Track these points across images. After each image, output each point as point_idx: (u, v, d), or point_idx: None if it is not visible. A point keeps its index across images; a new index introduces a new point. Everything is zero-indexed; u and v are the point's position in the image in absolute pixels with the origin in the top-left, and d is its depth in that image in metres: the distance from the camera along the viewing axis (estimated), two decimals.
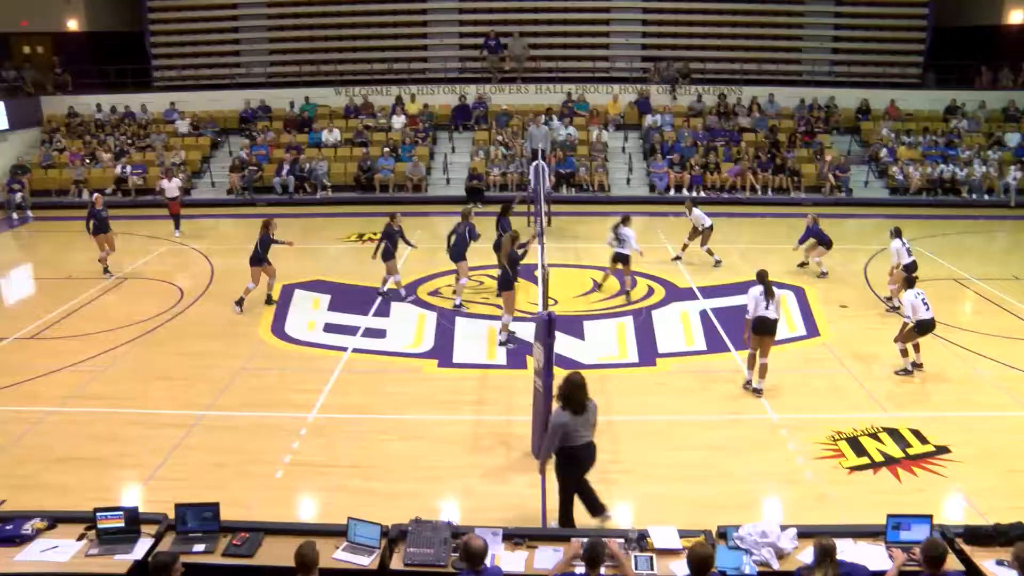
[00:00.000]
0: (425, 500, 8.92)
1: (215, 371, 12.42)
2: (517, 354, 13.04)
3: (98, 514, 7.14)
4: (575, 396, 7.95)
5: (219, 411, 11.17)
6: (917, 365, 12.47)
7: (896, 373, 12.37)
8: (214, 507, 7.23)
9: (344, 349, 13.31)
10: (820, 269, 17.23)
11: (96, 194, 17.08)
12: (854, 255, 18.94)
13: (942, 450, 10.08)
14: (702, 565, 6.14)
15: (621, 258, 15.45)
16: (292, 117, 27.88)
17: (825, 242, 16.90)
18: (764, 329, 11.47)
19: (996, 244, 21.23)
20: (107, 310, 15.36)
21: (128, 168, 25.37)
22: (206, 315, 15.01)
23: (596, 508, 8.43)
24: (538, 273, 13.89)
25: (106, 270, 17.28)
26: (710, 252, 18.11)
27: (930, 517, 7.05)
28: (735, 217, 22.80)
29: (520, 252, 13.44)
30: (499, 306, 14.65)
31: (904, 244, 15.20)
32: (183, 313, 15.10)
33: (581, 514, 8.64)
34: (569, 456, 8.05)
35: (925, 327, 12.13)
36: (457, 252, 15.16)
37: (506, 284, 13.43)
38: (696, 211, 18.22)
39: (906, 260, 15.00)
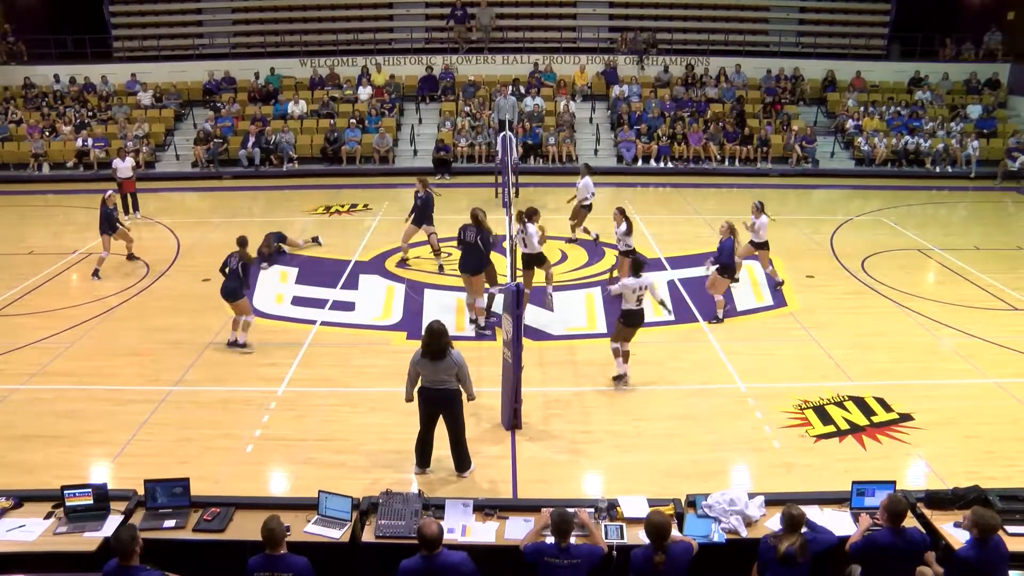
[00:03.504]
0: (396, 472, 8.93)
1: (183, 346, 12.28)
2: (486, 328, 13.03)
3: (66, 492, 7.06)
4: (431, 343, 8.31)
5: (187, 386, 11.06)
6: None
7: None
8: (184, 482, 7.18)
9: (312, 322, 13.23)
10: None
11: (109, 192, 16.00)
12: (820, 225, 19.10)
13: (905, 417, 10.25)
14: (659, 531, 6.22)
15: (534, 260, 13.34)
16: (257, 89, 27.42)
17: (728, 269, 13.31)
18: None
19: (958, 215, 21.52)
20: (70, 286, 15.11)
21: (90, 141, 24.85)
22: (173, 289, 14.82)
23: (420, 459, 8.93)
24: (506, 245, 13.88)
25: (132, 256, 16.32)
26: (586, 230, 17.11)
27: (893, 483, 7.19)
28: (701, 188, 22.86)
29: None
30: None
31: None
32: (149, 288, 14.90)
33: (556, 485, 8.71)
34: (421, 395, 8.61)
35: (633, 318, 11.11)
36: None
37: (477, 267, 12.75)
38: (587, 180, 16.69)
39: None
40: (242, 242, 12.44)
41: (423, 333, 8.54)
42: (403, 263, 15.78)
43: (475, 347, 12.23)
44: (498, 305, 13.00)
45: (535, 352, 12.02)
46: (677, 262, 16.18)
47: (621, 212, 13.52)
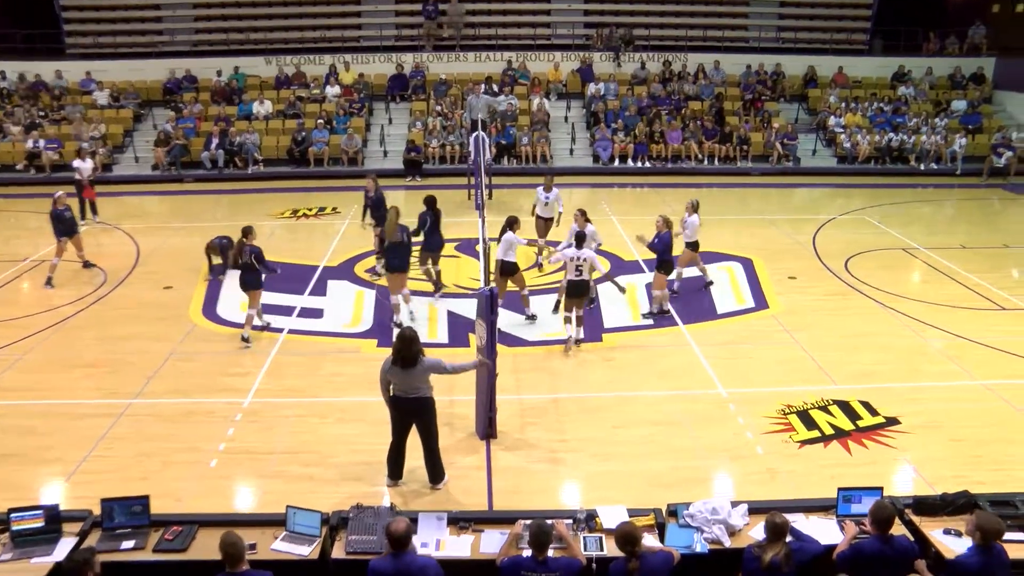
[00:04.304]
0: (367, 485, 8.87)
1: (143, 357, 12.13)
2: (459, 332, 13.03)
3: (12, 515, 6.85)
4: (401, 349, 8.27)
5: (148, 399, 10.92)
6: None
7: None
8: (144, 500, 7.06)
9: (279, 330, 13.13)
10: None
11: (59, 192, 15.71)
12: (802, 225, 19.23)
13: (892, 421, 10.32)
14: (627, 538, 6.24)
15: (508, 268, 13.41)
16: (220, 88, 27.21)
17: (665, 264, 13.52)
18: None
19: (943, 213, 21.74)
20: (21, 295, 14.89)
21: (41, 142, 24.47)
22: (132, 298, 14.64)
23: (392, 470, 8.88)
24: (479, 248, 13.84)
25: (87, 263, 16.09)
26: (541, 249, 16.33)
27: (880, 489, 7.22)
28: (680, 188, 22.97)
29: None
30: (433, 282, 14.67)
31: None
32: (107, 297, 14.70)
33: (533, 496, 8.68)
34: (393, 404, 8.55)
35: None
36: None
37: (396, 265, 13.11)
38: (556, 191, 16.27)
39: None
40: (247, 231, 12.62)
41: (394, 340, 8.50)
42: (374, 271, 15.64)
43: (449, 354, 12.04)
44: (470, 310, 12.95)
45: (510, 359, 11.99)
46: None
47: (583, 214, 13.54)
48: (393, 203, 14.78)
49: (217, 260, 15.63)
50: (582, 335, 12.67)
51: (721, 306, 14.28)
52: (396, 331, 12.77)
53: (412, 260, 13.61)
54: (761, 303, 14.42)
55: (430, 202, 14.44)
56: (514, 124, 25.87)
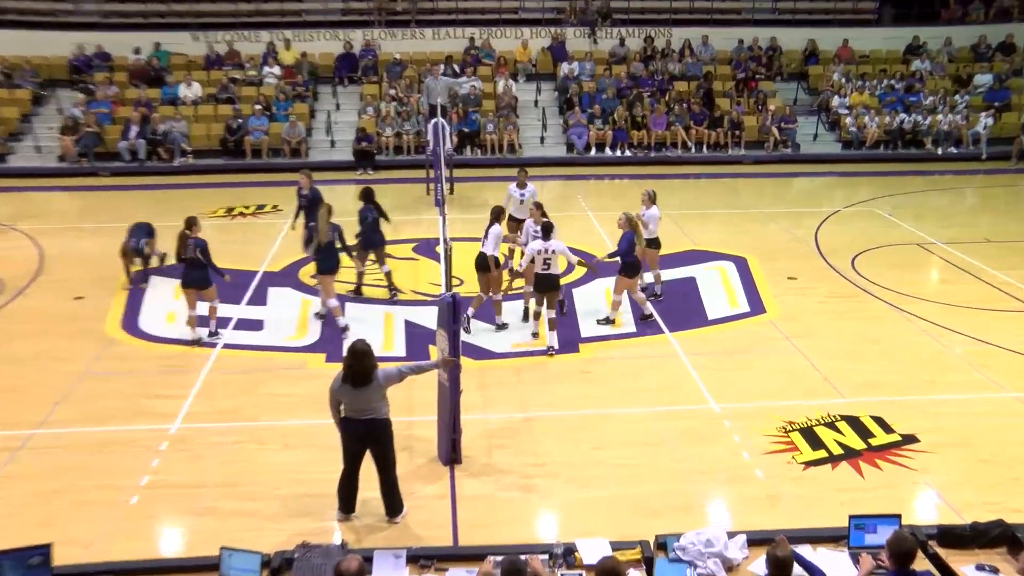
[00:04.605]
0: (314, 520, 8.76)
1: (49, 378, 11.91)
2: (418, 343, 12.96)
3: None
4: (353, 365, 8.19)
5: (54, 428, 10.68)
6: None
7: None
8: (44, 549, 6.71)
9: (213, 345, 12.99)
10: (646, 300, 14.08)
11: None
12: (802, 219, 19.37)
13: (909, 439, 10.34)
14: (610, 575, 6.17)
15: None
16: (139, 67, 26.84)
17: (630, 267, 13.41)
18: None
19: (965, 203, 21.96)
20: None
21: None
22: (34, 310, 14.38)
23: (344, 503, 8.79)
24: (440, 249, 13.77)
25: None
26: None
27: (898, 517, 7.18)
28: (665, 179, 23.06)
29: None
30: (386, 286, 14.76)
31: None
32: (3, 309, 14.44)
33: (504, 528, 8.61)
34: (344, 427, 8.45)
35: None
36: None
37: (328, 267, 13.34)
38: (532, 188, 15.82)
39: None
40: (191, 223, 12.74)
41: (344, 354, 8.41)
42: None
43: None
44: (430, 319, 12.88)
45: (476, 373, 11.93)
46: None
47: (539, 207, 13.54)
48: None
49: (136, 267, 15.40)
50: (555, 343, 12.82)
51: (712, 311, 14.32)
52: (346, 337, 13.12)
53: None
54: (757, 307, 14.48)
55: (368, 195, 14.56)
56: (478, 109, 25.87)
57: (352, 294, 14.77)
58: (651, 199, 14.24)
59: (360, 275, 14.87)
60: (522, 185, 15.67)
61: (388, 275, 14.76)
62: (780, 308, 14.39)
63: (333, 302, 13.48)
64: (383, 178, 23.18)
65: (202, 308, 13.15)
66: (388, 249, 15.03)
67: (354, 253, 14.18)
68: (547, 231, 12.69)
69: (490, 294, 13.45)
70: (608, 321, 13.75)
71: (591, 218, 19.19)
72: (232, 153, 24.74)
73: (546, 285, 12.72)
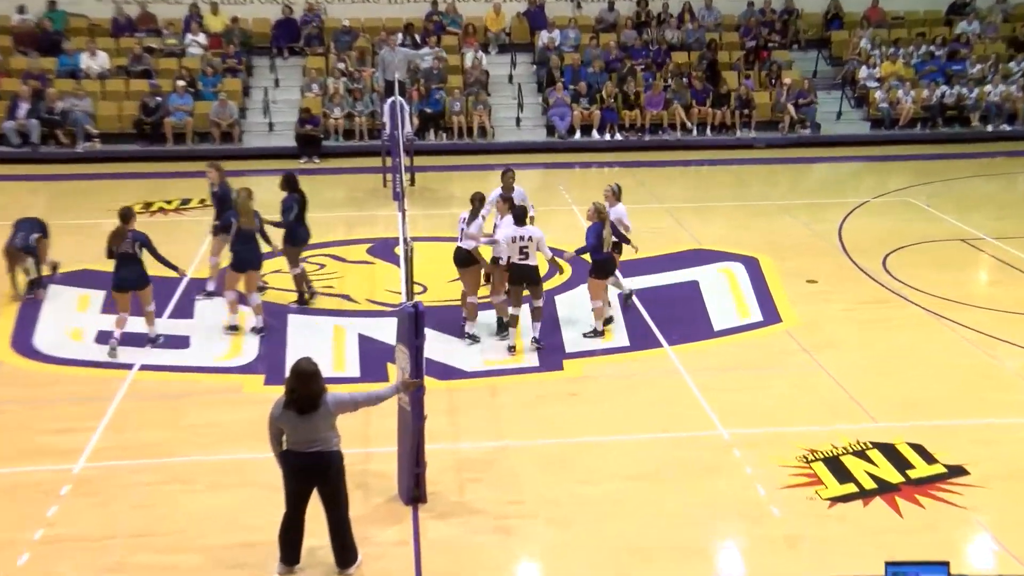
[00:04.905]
0: (251, 574, 8.70)
1: None
2: (374, 361, 12.94)
3: None
4: (297, 388, 8.14)
5: None
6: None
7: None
8: None
9: (128, 366, 12.90)
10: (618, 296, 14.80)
11: None
12: (824, 212, 19.50)
13: (956, 471, 10.32)
14: None
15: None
16: (27, 31, 26.57)
17: (602, 267, 13.57)
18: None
19: (1018, 190, 22.06)
20: None
21: None
22: None
23: (286, 553, 8.66)
24: (399, 250, 13.75)
25: None
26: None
27: (946, 565, 7.18)
28: (662, 167, 23.13)
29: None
30: (346, 296, 14.83)
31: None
32: None
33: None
34: (286, 462, 8.40)
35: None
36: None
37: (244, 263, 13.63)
38: (521, 191, 15.31)
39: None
40: (127, 215, 12.92)
41: (287, 376, 8.35)
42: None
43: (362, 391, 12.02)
44: (387, 333, 12.85)
45: (443, 395, 11.91)
46: (630, 267, 16.21)
47: (506, 200, 13.54)
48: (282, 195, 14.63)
49: (25, 272, 15.17)
50: (537, 334, 13.37)
51: (719, 320, 14.37)
52: (229, 332, 13.52)
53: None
54: (771, 315, 14.55)
55: (291, 182, 14.62)
56: (442, 86, 25.87)
57: (297, 304, 14.82)
58: (615, 195, 14.19)
59: (300, 278, 14.88)
60: (509, 189, 14.75)
61: (299, 278, 14.84)
62: (798, 316, 14.45)
63: (231, 294, 13.74)
64: (331, 167, 23.14)
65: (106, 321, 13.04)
66: (340, 251, 15.01)
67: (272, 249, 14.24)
68: (520, 217, 12.98)
69: (469, 295, 13.56)
70: (596, 334, 13.77)
71: (576, 212, 19.19)
72: (149, 138, 24.63)
73: (524, 277, 12.97)
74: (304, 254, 15.39)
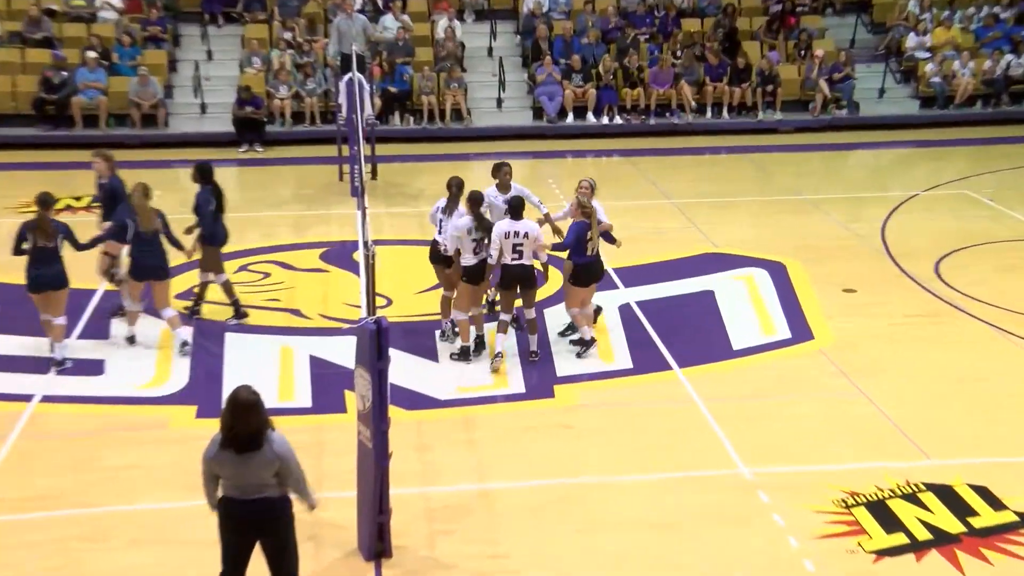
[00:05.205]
0: None
1: None
2: (329, 389, 12.91)
3: None
4: (236, 424, 8.03)
5: None
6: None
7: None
8: None
9: (27, 398, 12.84)
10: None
11: None
12: (863, 208, 19.61)
13: None
14: None
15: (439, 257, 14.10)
16: None
17: (585, 271, 13.64)
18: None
19: None
20: None
21: None
22: None
23: None
24: (358, 256, 13.73)
25: None
26: None
27: None
28: (670, 156, 23.18)
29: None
30: (295, 311, 14.90)
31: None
32: None
33: None
34: (223, 511, 8.32)
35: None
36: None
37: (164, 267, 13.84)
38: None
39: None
40: (46, 201, 13.25)
41: (223, 407, 8.28)
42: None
43: (313, 425, 12.08)
44: (343, 355, 12.82)
45: (412, 428, 11.91)
46: (633, 276, 16.27)
47: (475, 202, 13.45)
48: (208, 191, 14.59)
49: None
50: (534, 347, 13.58)
51: (738, 338, 14.41)
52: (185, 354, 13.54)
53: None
54: (801, 332, 14.58)
55: (205, 173, 14.67)
56: (409, 61, 25.87)
57: (191, 319, 14.76)
58: (591, 190, 13.97)
59: (226, 287, 14.83)
60: (505, 188, 14.51)
61: (203, 289, 14.93)
62: (834, 333, 14.49)
63: (136, 306, 13.88)
64: (277, 157, 23.15)
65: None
66: (288, 256, 14.98)
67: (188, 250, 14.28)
68: (516, 210, 13.03)
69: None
70: (584, 344, 13.77)
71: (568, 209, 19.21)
72: (53, 120, 24.63)
73: (518, 280, 13.09)
74: (242, 261, 15.39)
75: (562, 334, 14.22)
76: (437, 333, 14.27)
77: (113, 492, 10.87)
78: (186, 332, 13.86)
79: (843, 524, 10.25)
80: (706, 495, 10.76)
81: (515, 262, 12.97)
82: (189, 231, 14.55)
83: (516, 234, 12.85)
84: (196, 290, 15.00)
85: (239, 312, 14.81)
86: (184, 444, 11.45)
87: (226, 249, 15.23)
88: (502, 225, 12.98)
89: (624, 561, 9.72)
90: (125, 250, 13.85)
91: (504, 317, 13.41)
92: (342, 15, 23.58)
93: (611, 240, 14.04)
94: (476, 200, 13.22)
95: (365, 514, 9.72)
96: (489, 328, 13.87)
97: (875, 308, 15.27)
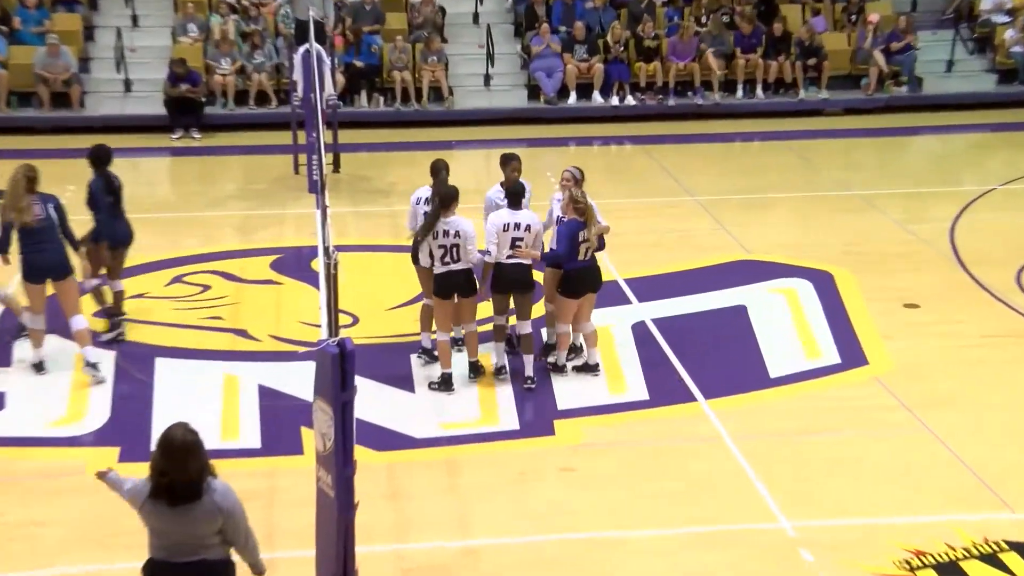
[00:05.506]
0: None
1: None
2: (281, 425, 12.90)
3: None
4: (170, 469, 7.94)
5: None
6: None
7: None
8: None
9: None
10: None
11: None
12: (928, 206, 19.69)
13: None
14: None
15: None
16: None
17: (580, 278, 13.70)
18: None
19: None
20: None
21: None
22: None
23: None
24: (317, 264, 13.70)
25: None
26: None
27: None
28: (695, 143, 23.23)
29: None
30: (241, 331, 14.94)
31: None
32: None
33: None
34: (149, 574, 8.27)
35: None
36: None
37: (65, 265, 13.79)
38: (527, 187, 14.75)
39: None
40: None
41: (154, 450, 8.20)
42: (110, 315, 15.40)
43: (265, 469, 12.08)
44: (299, 385, 12.79)
45: (382, 473, 11.89)
46: (649, 288, 16.25)
47: (445, 204, 13.44)
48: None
49: None
50: (531, 372, 13.58)
51: (776, 363, 14.42)
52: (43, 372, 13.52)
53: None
54: (854, 356, 14.59)
55: (101, 158, 14.64)
56: (378, 29, 25.90)
57: (110, 334, 14.82)
58: (578, 181, 13.92)
59: (118, 296, 14.93)
60: (512, 184, 14.25)
61: (115, 296, 14.98)
62: (893, 357, 14.49)
63: (36, 320, 13.79)
64: (218, 145, 23.20)
65: None
66: (232, 265, 14.92)
67: (84, 251, 14.31)
68: (516, 197, 13.12)
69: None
70: (588, 369, 13.89)
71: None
72: None
73: (515, 282, 13.13)
74: (176, 271, 15.32)
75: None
76: (413, 357, 14.23)
77: (16, 554, 10.82)
78: (94, 353, 13.76)
79: None
80: (738, 552, 10.70)
81: (511, 261, 12.92)
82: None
83: (516, 226, 12.81)
84: (102, 304, 14.99)
85: (115, 324, 14.80)
86: (105, 494, 11.38)
87: (157, 256, 15.25)
88: (500, 216, 12.97)
89: None
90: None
91: (499, 322, 13.53)
92: None
93: (600, 246, 14.00)
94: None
95: (326, 574, 9.70)
96: (483, 352, 13.89)
97: (943, 327, 15.29)
